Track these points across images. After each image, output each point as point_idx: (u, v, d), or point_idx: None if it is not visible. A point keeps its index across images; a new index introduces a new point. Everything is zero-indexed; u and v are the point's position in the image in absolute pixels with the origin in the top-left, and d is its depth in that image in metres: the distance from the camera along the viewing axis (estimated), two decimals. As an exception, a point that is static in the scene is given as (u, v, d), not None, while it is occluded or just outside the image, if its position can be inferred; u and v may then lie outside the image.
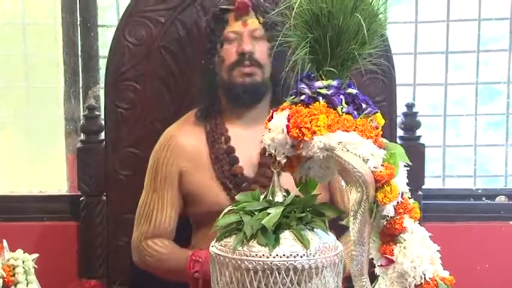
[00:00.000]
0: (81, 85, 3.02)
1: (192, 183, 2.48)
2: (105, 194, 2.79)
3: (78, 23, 2.99)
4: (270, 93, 2.47)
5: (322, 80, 1.74)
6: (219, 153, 2.46)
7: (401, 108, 2.81)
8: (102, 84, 2.92)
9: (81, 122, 2.86)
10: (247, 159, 2.44)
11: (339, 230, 1.96)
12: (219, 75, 2.47)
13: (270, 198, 1.75)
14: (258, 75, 2.41)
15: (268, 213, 1.69)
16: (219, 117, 2.49)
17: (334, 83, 1.73)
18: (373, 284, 1.76)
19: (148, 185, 2.55)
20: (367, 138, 1.71)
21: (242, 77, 2.42)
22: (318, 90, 1.73)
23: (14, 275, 1.93)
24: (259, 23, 2.42)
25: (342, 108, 1.72)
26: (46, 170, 3.08)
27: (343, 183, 1.76)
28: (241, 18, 2.42)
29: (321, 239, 1.71)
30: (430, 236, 1.77)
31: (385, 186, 1.69)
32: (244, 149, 2.45)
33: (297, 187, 1.78)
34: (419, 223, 1.77)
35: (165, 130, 2.62)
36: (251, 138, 2.40)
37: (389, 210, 1.71)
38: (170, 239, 2.53)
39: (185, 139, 2.50)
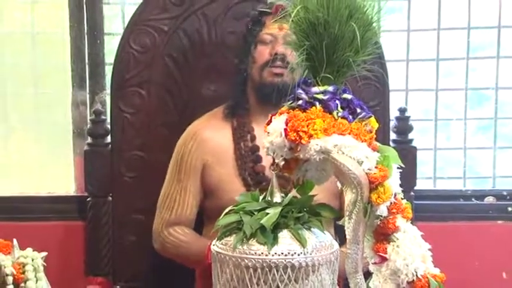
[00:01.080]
0: (88, 91, 3.02)
1: (214, 177, 2.47)
2: (111, 195, 2.78)
3: (85, 31, 2.98)
4: None
5: (319, 85, 1.74)
6: (244, 151, 2.45)
7: (394, 113, 2.81)
8: (108, 90, 2.92)
9: (88, 126, 2.86)
10: (269, 159, 2.42)
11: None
12: (250, 74, 2.46)
13: (269, 198, 1.75)
14: (286, 76, 2.38)
15: (267, 213, 1.70)
16: (247, 116, 2.48)
17: (330, 88, 1.74)
18: (367, 281, 1.76)
19: (172, 176, 2.52)
20: (362, 142, 1.71)
21: (272, 76, 2.40)
22: (315, 95, 1.73)
23: (23, 273, 1.93)
24: None
25: (337, 113, 1.72)
26: (54, 172, 3.08)
27: (338, 184, 1.76)
28: (277, 22, 2.39)
29: (318, 238, 1.71)
30: (421, 235, 1.77)
31: (378, 187, 1.69)
32: None
33: (295, 188, 1.78)
34: (411, 223, 1.77)
35: (168, 134, 2.63)
36: None
37: (382, 210, 1.71)
38: (191, 224, 2.51)
39: (211, 133, 2.49)
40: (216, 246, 1.73)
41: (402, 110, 2.83)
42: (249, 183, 2.42)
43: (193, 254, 2.44)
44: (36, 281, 1.94)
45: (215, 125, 2.51)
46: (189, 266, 2.50)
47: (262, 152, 2.42)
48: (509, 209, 3.02)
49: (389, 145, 2.56)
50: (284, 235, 1.68)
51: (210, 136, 2.49)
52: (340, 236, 1.90)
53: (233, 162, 2.45)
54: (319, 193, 1.80)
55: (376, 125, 1.78)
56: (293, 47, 1.78)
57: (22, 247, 1.97)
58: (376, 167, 1.69)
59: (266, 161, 2.41)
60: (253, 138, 2.46)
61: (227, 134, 2.48)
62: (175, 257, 2.51)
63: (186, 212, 2.50)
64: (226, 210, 1.77)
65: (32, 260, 1.95)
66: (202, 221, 2.54)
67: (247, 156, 2.45)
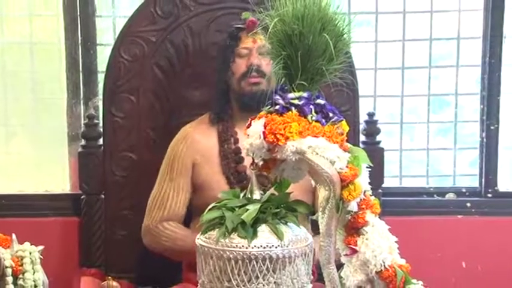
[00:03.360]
0: (82, 97, 3.00)
1: (202, 175, 2.48)
2: (103, 193, 2.77)
3: (80, 42, 2.96)
4: None
5: (295, 92, 1.74)
6: (228, 152, 2.46)
7: (363, 117, 2.82)
8: (100, 96, 2.90)
9: (82, 129, 2.84)
10: (250, 160, 2.41)
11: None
12: (231, 85, 2.47)
13: (249, 196, 1.75)
14: (263, 84, 2.41)
15: (247, 209, 1.69)
16: (230, 121, 2.50)
17: (305, 94, 1.73)
18: (339, 271, 1.76)
19: (164, 176, 2.52)
20: (334, 143, 1.71)
21: (250, 86, 2.42)
22: (291, 101, 1.73)
23: (22, 265, 1.91)
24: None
25: (311, 117, 1.72)
26: (51, 172, 3.05)
27: (312, 182, 1.76)
28: (251, 36, 2.42)
29: (294, 232, 1.71)
30: (388, 229, 1.77)
31: (349, 185, 1.69)
32: None
33: (272, 186, 1.78)
34: (379, 217, 1.77)
35: (156, 137, 2.63)
36: None
37: (353, 206, 1.71)
38: (181, 219, 2.50)
39: (199, 136, 2.50)
40: (200, 239, 1.72)
41: (371, 114, 2.84)
42: (232, 181, 2.44)
43: (190, 246, 2.42)
44: (34, 272, 1.92)
45: (203, 129, 2.52)
46: (179, 258, 2.49)
47: (244, 154, 2.42)
48: (468, 204, 3.03)
49: (359, 146, 2.57)
50: (263, 229, 1.68)
51: (199, 139, 2.50)
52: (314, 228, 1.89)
53: (218, 162, 2.47)
54: (294, 190, 1.80)
55: (347, 128, 1.78)
56: (270, 56, 1.77)
57: (20, 241, 1.96)
58: (347, 167, 1.69)
59: (247, 162, 2.41)
60: (236, 141, 2.48)
61: (213, 137, 2.49)
62: (168, 250, 2.48)
63: (179, 209, 2.50)
64: (210, 206, 1.76)
65: (30, 253, 1.93)
66: (190, 215, 2.53)
67: (230, 157, 2.46)
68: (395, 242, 1.77)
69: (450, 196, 3.07)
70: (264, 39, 2.39)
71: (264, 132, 1.70)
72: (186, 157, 2.49)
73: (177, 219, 2.50)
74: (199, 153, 2.49)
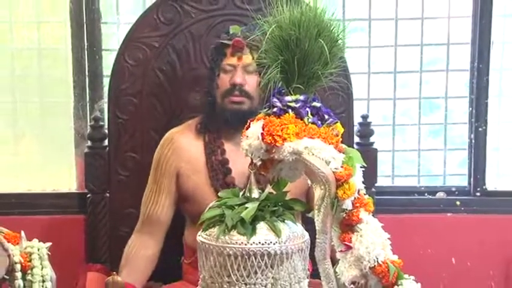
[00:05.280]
0: (88, 100, 3.00)
1: (189, 185, 2.43)
2: (108, 191, 2.76)
3: (86, 47, 2.96)
4: None
5: (291, 95, 1.74)
6: (215, 164, 2.41)
7: (357, 119, 2.81)
8: (105, 99, 2.90)
9: (88, 131, 2.84)
10: (239, 171, 2.36)
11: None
12: (216, 98, 2.40)
13: (248, 194, 1.74)
14: (246, 104, 2.34)
15: (246, 208, 1.69)
16: (217, 132, 2.43)
17: (302, 97, 1.73)
18: (334, 267, 1.75)
19: (151, 177, 2.50)
20: (329, 144, 1.70)
21: (231, 104, 2.35)
22: (288, 103, 1.72)
23: (30, 261, 1.91)
24: (253, 58, 2.32)
25: (308, 119, 1.72)
26: (58, 172, 3.05)
27: (309, 181, 1.76)
28: (236, 54, 2.35)
29: (291, 229, 1.70)
30: (381, 226, 1.77)
31: (344, 184, 1.69)
32: (237, 162, 2.36)
33: (271, 185, 1.78)
34: (372, 215, 1.77)
35: (158, 138, 2.61)
36: (243, 154, 2.33)
37: (348, 204, 1.71)
38: (162, 227, 2.46)
39: (185, 143, 2.45)
40: (201, 236, 1.72)
41: (364, 117, 2.84)
42: None
43: (123, 272, 2.40)
44: (42, 268, 1.92)
45: (190, 136, 2.46)
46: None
47: (231, 165, 2.40)
48: (458, 203, 3.03)
49: (353, 147, 2.55)
50: (261, 226, 1.67)
51: (185, 146, 2.45)
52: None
53: (205, 173, 2.41)
54: (290, 188, 1.79)
55: (341, 130, 1.77)
56: (268, 61, 1.77)
57: (29, 238, 1.96)
58: (342, 167, 1.69)
59: (235, 173, 2.39)
60: (223, 152, 2.42)
61: (200, 146, 2.44)
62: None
63: (158, 210, 2.45)
64: (210, 205, 1.76)
65: (38, 249, 1.93)
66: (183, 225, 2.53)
67: (218, 169, 2.41)
68: (388, 238, 1.77)
69: (440, 195, 3.07)
70: (251, 57, 2.33)
71: (262, 134, 1.70)
72: (170, 161, 2.44)
73: (157, 224, 2.46)
74: (184, 160, 2.43)
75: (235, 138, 2.35)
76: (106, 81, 2.94)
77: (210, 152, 2.42)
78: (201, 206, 2.24)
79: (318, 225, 1.70)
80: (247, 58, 2.35)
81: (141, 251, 2.46)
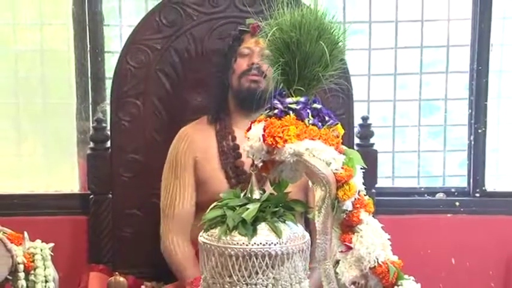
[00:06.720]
0: (90, 102, 2.99)
1: (203, 171, 2.48)
2: (110, 192, 2.77)
3: (88, 50, 2.96)
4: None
5: (292, 97, 1.74)
6: (226, 149, 2.48)
7: (357, 120, 2.81)
8: (108, 101, 2.90)
9: (91, 132, 2.84)
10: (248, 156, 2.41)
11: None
12: (230, 84, 2.48)
13: (249, 195, 1.74)
14: (262, 83, 2.42)
15: (247, 208, 1.69)
16: (228, 120, 2.51)
17: (302, 99, 1.73)
18: (335, 267, 1.75)
19: (169, 176, 2.52)
20: (330, 146, 1.70)
21: (249, 82, 2.43)
22: (289, 105, 1.72)
23: (33, 261, 1.91)
24: None
25: (308, 120, 1.72)
26: (61, 173, 3.05)
27: (310, 183, 1.76)
28: (254, 38, 2.43)
29: (292, 230, 1.70)
30: (382, 227, 1.77)
31: (344, 185, 1.69)
32: None
33: (272, 186, 1.78)
34: (373, 216, 1.77)
35: (160, 139, 2.62)
36: None
37: (348, 205, 1.71)
38: (191, 220, 2.49)
39: (198, 135, 2.51)
40: (203, 237, 1.72)
41: (364, 118, 2.84)
42: (230, 176, 2.46)
43: (179, 273, 2.48)
44: (45, 268, 1.92)
45: (201, 129, 2.53)
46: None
47: (241, 150, 2.43)
48: (457, 203, 3.03)
49: (353, 148, 2.55)
50: (262, 227, 1.67)
51: (198, 138, 2.51)
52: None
53: (217, 159, 2.48)
54: (290, 188, 1.79)
55: (342, 131, 1.77)
56: (269, 63, 1.77)
57: (32, 239, 1.96)
58: (342, 168, 1.69)
59: (245, 157, 2.40)
60: (233, 138, 2.49)
61: (212, 135, 2.50)
62: (169, 263, 2.51)
63: (187, 205, 2.49)
64: (212, 206, 1.76)
65: (41, 250, 1.93)
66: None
67: (228, 153, 2.48)
68: (388, 239, 1.76)
69: (440, 196, 3.07)
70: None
71: (263, 135, 1.69)
72: (188, 154, 2.50)
73: (187, 219, 2.49)
74: (199, 151, 2.50)
75: (246, 125, 2.39)
76: (108, 83, 2.94)
77: (221, 138, 2.49)
78: (211, 192, 2.31)
79: (318, 226, 1.70)
80: (264, 43, 2.40)
81: (186, 248, 2.49)
